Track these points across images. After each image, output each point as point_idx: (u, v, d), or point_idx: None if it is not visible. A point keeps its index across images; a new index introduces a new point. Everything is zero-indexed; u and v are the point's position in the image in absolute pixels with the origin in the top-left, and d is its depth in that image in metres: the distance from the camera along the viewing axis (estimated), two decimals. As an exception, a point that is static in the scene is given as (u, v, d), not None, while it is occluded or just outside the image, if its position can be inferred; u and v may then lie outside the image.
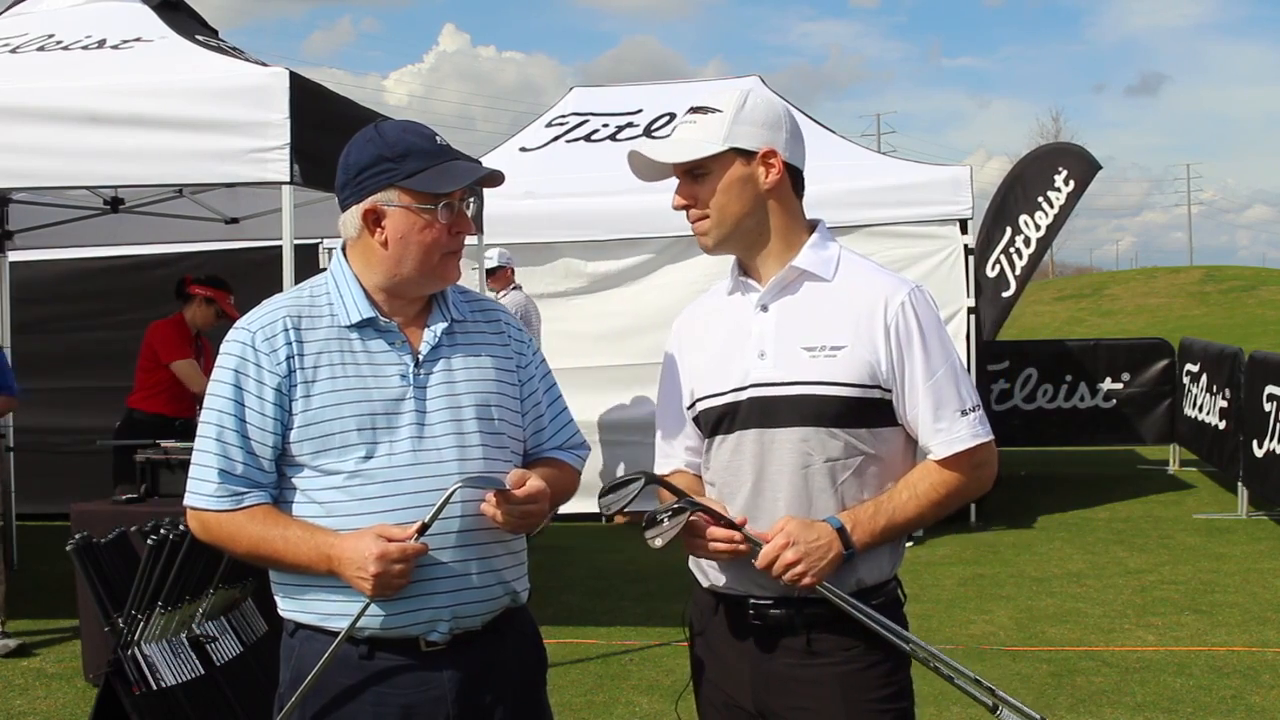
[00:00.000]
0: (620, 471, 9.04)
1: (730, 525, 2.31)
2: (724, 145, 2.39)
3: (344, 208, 2.40)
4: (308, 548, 2.25)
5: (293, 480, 2.33)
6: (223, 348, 2.35)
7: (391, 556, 2.18)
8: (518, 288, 8.97)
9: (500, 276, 8.87)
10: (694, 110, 2.45)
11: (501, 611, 2.40)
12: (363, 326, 2.36)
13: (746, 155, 2.40)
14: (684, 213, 2.49)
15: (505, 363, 2.47)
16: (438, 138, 2.40)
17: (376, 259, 2.36)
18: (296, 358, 2.31)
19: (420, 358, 2.37)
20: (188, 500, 2.34)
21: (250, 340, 2.32)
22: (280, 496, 2.34)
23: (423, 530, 2.21)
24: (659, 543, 2.30)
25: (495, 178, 2.44)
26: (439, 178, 2.32)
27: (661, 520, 2.29)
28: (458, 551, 2.31)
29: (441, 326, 2.41)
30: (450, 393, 2.36)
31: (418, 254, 2.34)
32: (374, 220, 2.35)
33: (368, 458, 2.28)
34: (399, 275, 2.36)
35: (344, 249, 2.45)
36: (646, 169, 2.50)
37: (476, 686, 2.35)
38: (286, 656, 2.39)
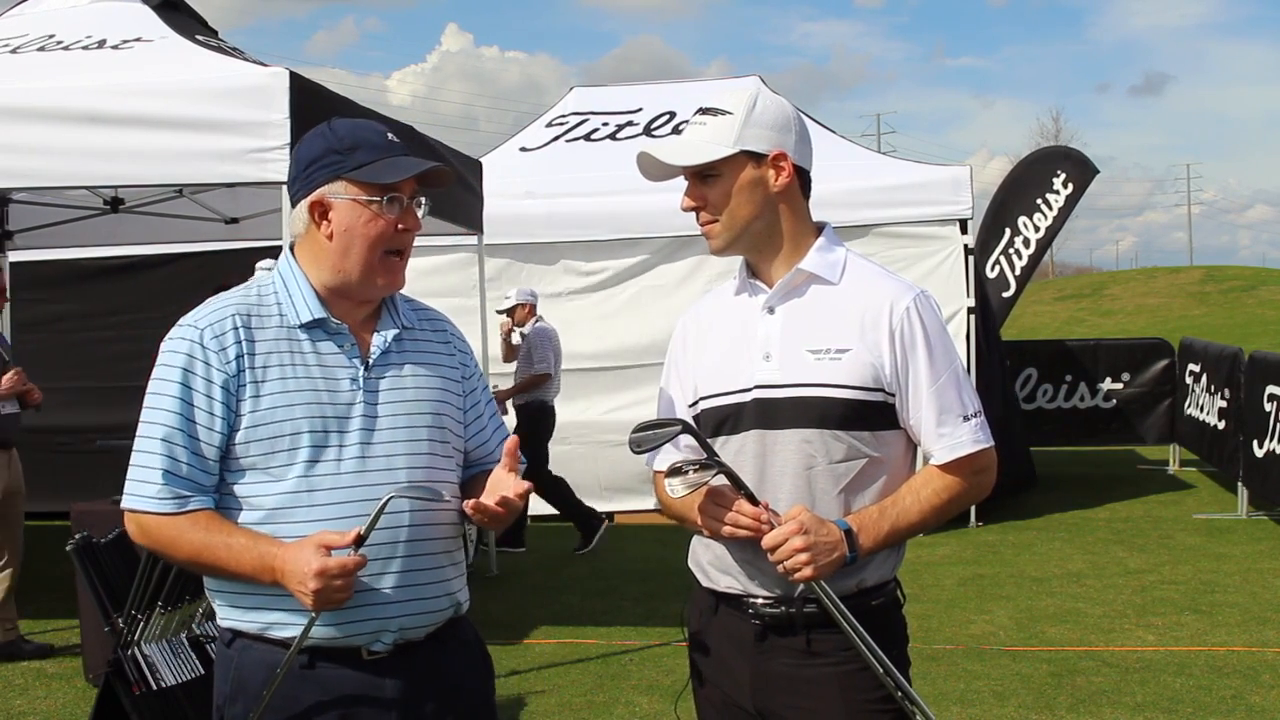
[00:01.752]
0: (616, 473, 9.06)
1: (752, 499, 2.31)
2: (735, 148, 2.38)
3: (294, 203, 2.37)
4: (251, 557, 2.18)
5: (234, 486, 2.26)
6: (166, 345, 2.28)
7: (331, 572, 2.11)
8: (539, 319, 9.00)
9: (521, 312, 8.93)
10: (704, 111, 2.44)
11: (445, 623, 2.36)
12: (312, 327, 2.31)
13: (757, 158, 2.40)
14: (693, 214, 2.49)
15: (451, 373, 2.44)
16: (389, 134, 2.37)
17: (323, 254, 2.32)
18: (246, 357, 2.25)
19: (370, 362, 2.33)
20: (126, 502, 2.25)
21: (199, 338, 2.25)
22: (221, 503, 2.27)
23: (359, 541, 2.16)
24: (680, 491, 2.30)
25: (441, 172, 2.39)
26: (386, 169, 2.29)
27: (687, 471, 2.29)
28: (404, 562, 2.27)
29: (392, 333, 2.37)
30: (400, 399, 2.32)
31: (362, 247, 2.29)
32: (321, 213, 2.32)
33: (315, 462, 2.23)
34: (344, 271, 2.31)
35: (292, 249, 2.41)
36: (654, 169, 2.49)
37: (420, 695, 2.31)
38: (224, 667, 2.32)
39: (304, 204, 2.33)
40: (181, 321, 2.30)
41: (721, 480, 2.32)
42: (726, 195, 2.41)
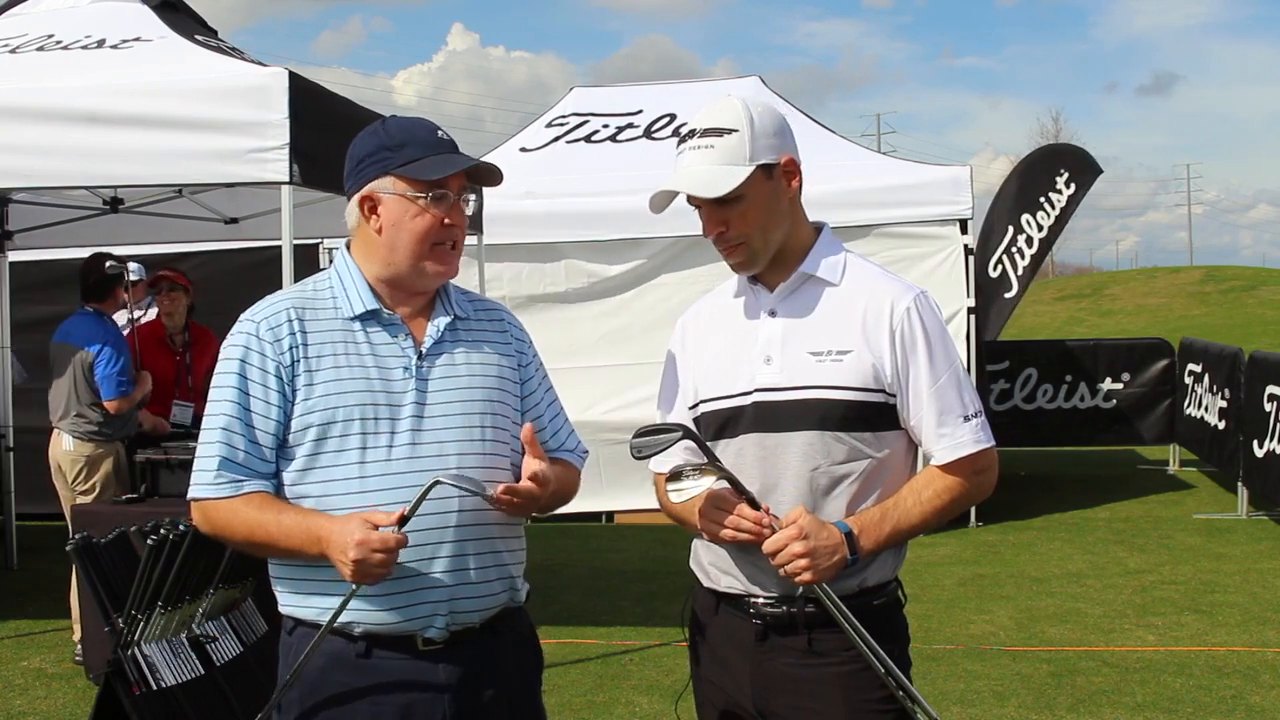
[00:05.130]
0: (617, 472, 9.05)
1: (753, 503, 2.31)
2: (751, 165, 2.36)
3: (348, 199, 2.42)
4: (300, 530, 2.25)
5: (291, 474, 2.32)
6: (228, 340, 2.37)
7: (372, 545, 2.17)
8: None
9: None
10: (705, 134, 2.39)
11: (500, 611, 2.40)
12: (366, 318, 2.38)
13: (768, 169, 2.39)
14: (693, 218, 2.46)
15: (507, 360, 2.49)
16: (440, 132, 2.42)
17: (373, 247, 2.39)
18: (300, 347, 2.32)
19: (423, 351, 2.38)
20: (190, 493, 2.33)
21: (255, 330, 2.33)
22: (278, 491, 2.33)
23: (403, 521, 2.21)
24: (679, 497, 2.31)
25: (489, 169, 2.44)
26: (431, 166, 2.35)
27: (688, 475, 2.29)
28: (456, 546, 2.31)
29: (445, 321, 2.43)
30: (453, 386, 2.38)
31: (409, 241, 2.36)
32: (370, 208, 2.38)
33: (369, 449, 2.29)
34: (393, 264, 2.38)
35: (349, 246, 2.47)
36: (663, 199, 2.45)
37: (474, 686, 2.35)
38: (285, 654, 2.39)
39: (355, 199, 2.39)
40: (241, 317, 2.40)
41: (722, 484, 2.32)
42: (751, 215, 2.39)
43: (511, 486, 2.30)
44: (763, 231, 2.41)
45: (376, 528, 2.19)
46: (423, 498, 2.22)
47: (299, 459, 2.31)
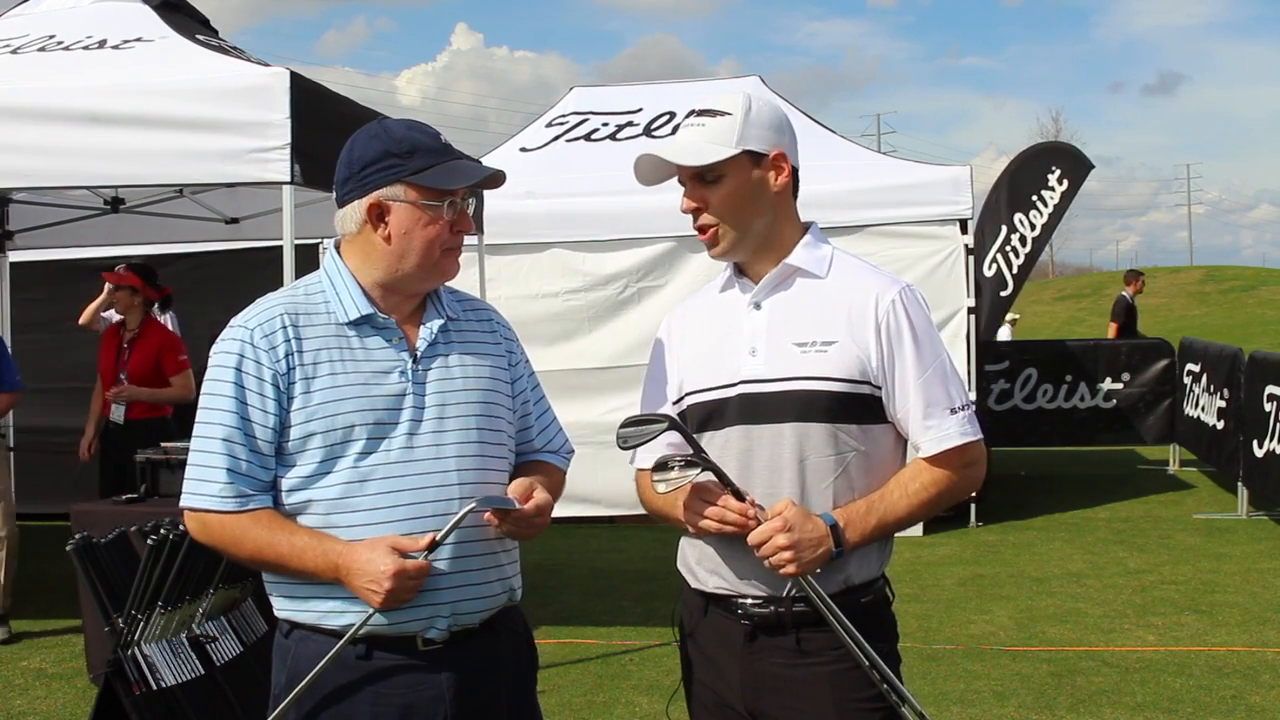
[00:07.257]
0: (615, 474, 9.05)
1: (738, 494, 2.31)
2: (737, 148, 2.39)
3: (344, 202, 2.39)
4: (314, 554, 2.23)
5: (290, 481, 2.30)
6: (219, 346, 2.33)
7: (409, 573, 2.18)
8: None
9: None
10: (700, 113, 2.44)
11: (498, 610, 2.41)
12: (360, 324, 2.36)
13: (757, 158, 2.41)
14: (690, 216, 2.48)
15: (498, 361, 2.49)
16: (441, 136, 2.42)
17: (378, 254, 2.36)
18: (296, 354, 2.30)
19: (418, 354, 2.38)
20: (187, 501, 2.30)
21: (249, 338, 2.30)
22: (276, 499, 2.32)
23: (432, 547, 2.22)
24: (663, 489, 2.31)
25: (498, 178, 2.45)
26: (446, 175, 2.34)
27: (673, 468, 2.29)
28: (457, 548, 2.31)
29: (438, 324, 2.42)
30: (449, 389, 2.37)
31: (420, 249, 2.35)
32: (378, 215, 2.35)
33: (367, 455, 2.28)
34: (400, 271, 2.36)
35: (337, 247, 2.44)
36: (650, 173, 2.49)
37: (474, 685, 2.35)
38: (282, 657, 2.38)
39: (360, 206, 2.36)
40: (231, 323, 2.36)
41: (708, 476, 2.32)
42: (730, 197, 2.41)
43: (510, 531, 2.35)
44: (738, 218, 2.42)
45: (403, 553, 2.20)
46: (456, 525, 2.23)
47: (301, 467, 2.29)
